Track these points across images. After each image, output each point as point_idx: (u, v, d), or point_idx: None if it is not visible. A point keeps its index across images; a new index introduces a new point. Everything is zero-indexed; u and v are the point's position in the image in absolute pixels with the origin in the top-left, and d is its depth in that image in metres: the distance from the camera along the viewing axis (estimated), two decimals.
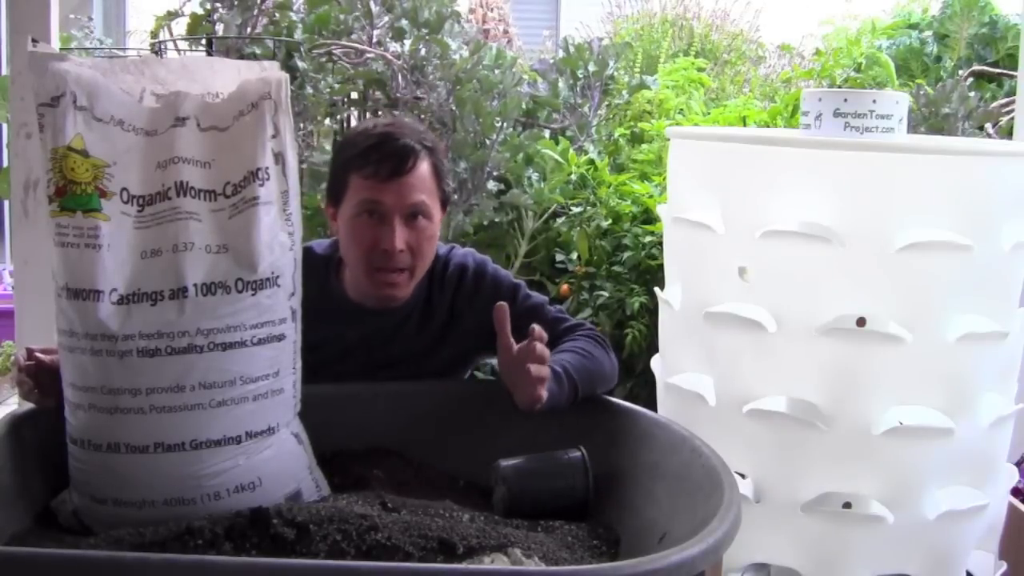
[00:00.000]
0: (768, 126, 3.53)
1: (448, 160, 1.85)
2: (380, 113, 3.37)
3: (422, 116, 3.28)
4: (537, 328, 1.61)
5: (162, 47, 3.40)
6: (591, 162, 3.48)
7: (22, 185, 2.64)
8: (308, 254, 1.80)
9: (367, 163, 1.71)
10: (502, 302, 1.65)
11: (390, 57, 3.38)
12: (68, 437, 1.40)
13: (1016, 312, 1.89)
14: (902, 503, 1.81)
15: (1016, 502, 2.23)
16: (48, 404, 1.50)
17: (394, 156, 1.71)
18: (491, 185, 3.33)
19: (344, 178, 1.75)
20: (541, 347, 1.59)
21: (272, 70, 1.46)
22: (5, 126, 3.68)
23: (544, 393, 1.60)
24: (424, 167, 1.73)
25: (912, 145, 1.98)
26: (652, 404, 2.11)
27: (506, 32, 6.25)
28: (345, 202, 1.75)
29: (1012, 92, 3.56)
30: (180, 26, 3.40)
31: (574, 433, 1.63)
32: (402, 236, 1.71)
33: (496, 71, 3.44)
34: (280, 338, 1.42)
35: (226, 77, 1.45)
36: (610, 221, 3.32)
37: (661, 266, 2.36)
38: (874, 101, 1.92)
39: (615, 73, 3.83)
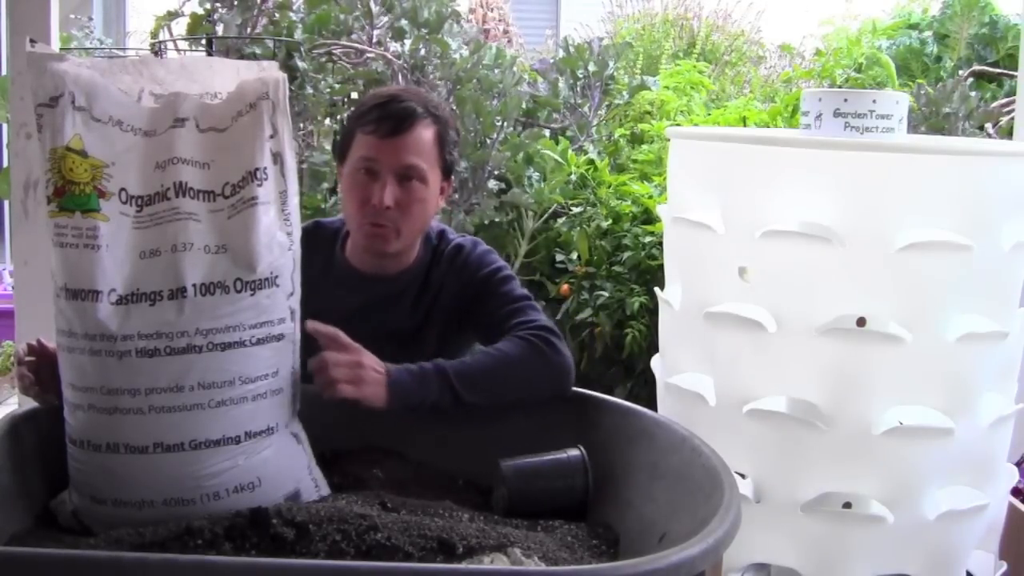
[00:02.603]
0: (768, 126, 3.53)
1: (457, 133, 1.87)
2: None
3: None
4: (324, 330, 1.55)
5: (162, 47, 3.40)
6: (591, 162, 3.48)
7: (22, 185, 2.64)
8: (318, 227, 1.89)
9: (369, 121, 1.75)
10: (312, 324, 1.57)
11: (390, 57, 3.38)
12: (67, 438, 1.40)
13: (1016, 312, 1.89)
14: (902, 503, 1.81)
15: (1016, 502, 2.22)
16: (48, 400, 1.50)
17: (394, 116, 1.74)
18: (492, 184, 3.33)
19: (350, 135, 1.80)
20: (316, 363, 1.54)
21: (270, 70, 1.45)
22: (5, 126, 3.69)
23: (355, 392, 1.54)
24: (425, 132, 1.76)
25: (912, 145, 1.98)
26: (652, 404, 2.11)
27: (506, 32, 6.26)
28: (348, 158, 1.79)
29: (1012, 92, 3.56)
30: (180, 26, 3.41)
31: (574, 433, 1.63)
32: (392, 194, 1.73)
33: (496, 70, 3.45)
34: (279, 338, 1.42)
35: (225, 77, 1.45)
36: (610, 221, 3.32)
37: (661, 266, 2.36)
38: (874, 101, 1.92)
39: (615, 73, 3.83)
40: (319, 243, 1.84)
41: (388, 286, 1.84)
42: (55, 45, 2.67)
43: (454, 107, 3.30)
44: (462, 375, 1.65)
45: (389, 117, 1.74)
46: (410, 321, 1.84)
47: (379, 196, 1.73)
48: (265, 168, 1.40)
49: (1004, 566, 2.06)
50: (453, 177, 1.88)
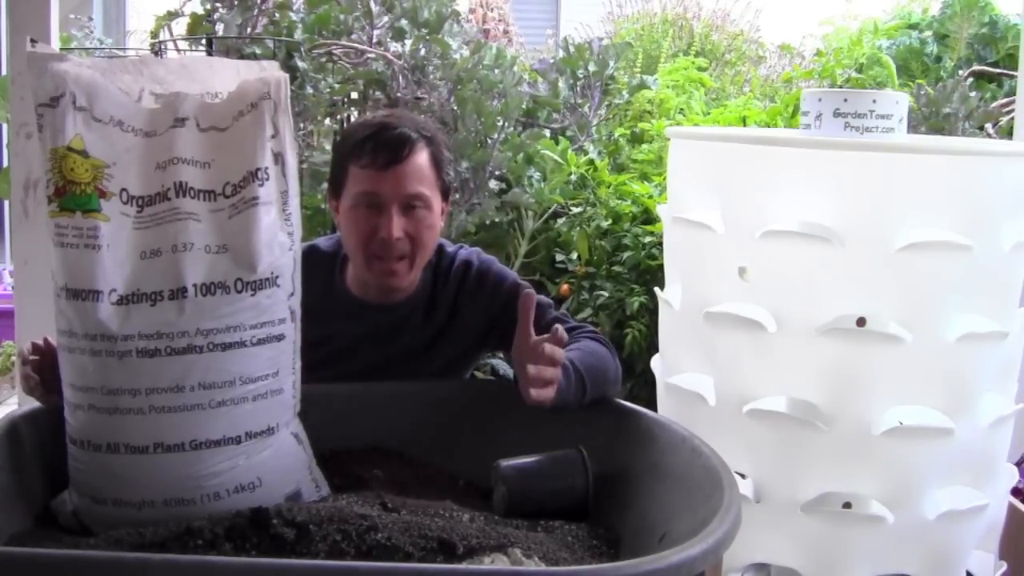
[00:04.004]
0: (768, 126, 3.53)
1: (449, 152, 1.84)
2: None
3: (423, 116, 3.28)
4: (560, 329, 1.58)
5: (162, 47, 3.40)
6: (591, 162, 3.48)
7: (22, 185, 2.64)
8: (313, 252, 1.82)
9: (364, 153, 1.71)
10: (530, 290, 1.63)
11: (390, 57, 3.38)
12: (68, 438, 1.40)
13: (1016, 312, 1.89)
14: (902, 503, 1.81)
15: (1016, 502, 2.23)
16: (52, 400, 1.50)
17: (390, 145, 1.70)
18: (492, 184, 3.33)
19: (343, 169, 1.76)
20: (551, 348, 1.56)
21: (272, 70, 1.45)
22: (5, 126, 3.69)
23: (545, 393, 1.57)
24: (421, 156, 1.73)
25: (912, 145, 1.98)
26: (652, 404, 2.11)
27: (506, 32, 6.25)
28: (344, 193, 1.75)
29: (1012, 92, 3.56)
30: (180, 26, 3.40)
31: (574, 433, 1.63)
32: (399, 225, 1.70)
33: (496, 71, 3.44)
34: (279, 338, 1.42)
35: (225, 77, 1.45)
36: (610, 221, 3.32)
37: (661, 266, 2.36)
38: (874, 101, 1.92)
39: (615, 73, 3.83)
40: (315, 269, 1.78)
41: (393, 314, 1.82)
42: (55, 45, 2.67)
43: (454, 107, 3.30)
44: (589, 373, 1.66)
45: (384, 147, 1.70)
46: (419, 340, 1.83)
47: (387, 229, 1.69)
48: (266, 168, 1.40)
49: (1004, 566, 2.06)
50: (450, 195, 1.85)
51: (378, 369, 1.81)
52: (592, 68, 3.73)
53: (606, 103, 3.83)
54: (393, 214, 1.70)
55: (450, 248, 1.88)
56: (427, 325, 1.83)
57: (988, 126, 3.48)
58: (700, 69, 4.24)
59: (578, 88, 3.76)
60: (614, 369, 1.75)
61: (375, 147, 1.71)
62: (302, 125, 3.25)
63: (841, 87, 3.92)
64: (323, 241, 1.89)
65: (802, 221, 1.77)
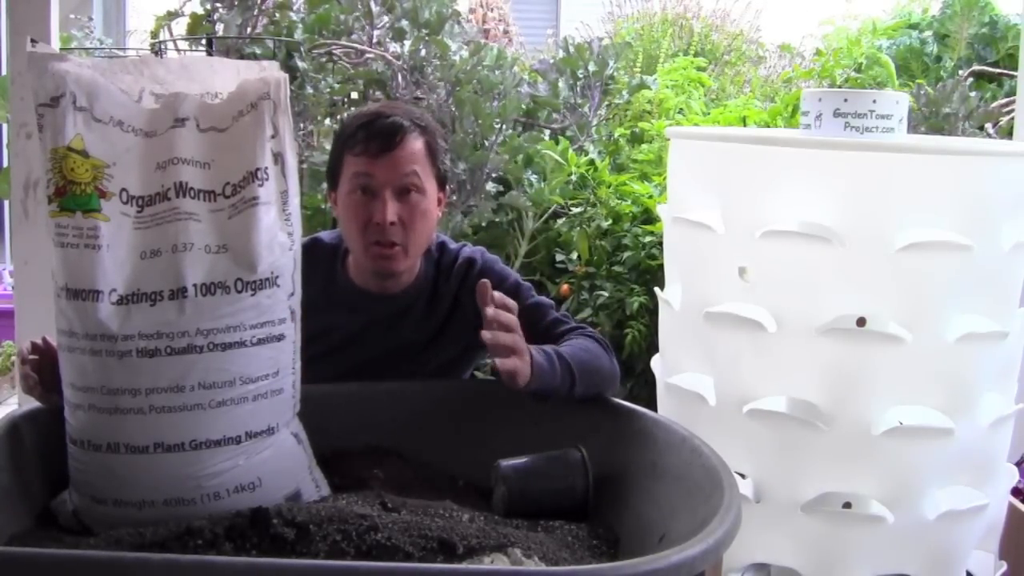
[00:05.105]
0: (768, 126, 3.53)
1: (444, 140, 1.83)
2: None
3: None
4: (498, 293, 1.55)
5: (162, 47, 3.40)
6: (591, 162, 3.48)
7: (22, 185, 2.64)
8: (316, 244, 1.85)
9: (357, 141, 1.74)
10: (484, 280, 1.59)
11: (390, 57, 3.38)
12: (68, 437, 1.40)
13: (1016, 312, 1.89)
14: (902, 503, 1.81)
15: (1016, 502, 2.23)
16: (52, 400, 1.50)
17: (383, 132, 1.73)
18: (490, 186, 3.33)
19: (340, 159, 1.78)
20: (495, 311, 1.52)
21: (271, 70, 1.46)
22: (5, 126, 3.69)
23: (510, 363, 1.53)
24: (415, 143, 1.74)
25: (912, 145, 1.98)
26: (652, 404, 2.11)
27: (506, 32, 6.25)
28: (341, 182, 1.77)
29: (1012, 92, 3.56)
30: (180, 26, 3.41)
31: (574, 433, 1.63)
32: (393, 209, 1.72)
33: (496, 71, 3.44)
34: (279, 338, 1.42)
35: (225, 77, 1.45)
36: (610, 221, 3.32)
37: (661, 266, 2.36)
38: (874, 101, 1.92)
39: (615, 73, 3.83)
40: (318, 261, 1.80)
41: (394, 304, 1.83)
42: (55, 45, 2.67)
43: (453, 108, 3.30)
44: (578, 365, 1.65)
45: (377, 134, 1.72)
46: (420, 335, 1.84)
47: (381, 214, 1.71)
48: (266, 168, 1.41)
49: (1004, 566, 2.06)
50: (448, 187, 1.87)
51: (379, 363, 1.81)
52: (592, 68, 3.73)
53: (606, 103, 3.83)
54: (387, 199, 1.72)
55: (453, 245, 1.90)
56: (428, 318, 1.84)
57: (988, 126, 3.48)
58: (699, 69, 4.24)
59: (578, 88, 3.76)
60: (609, 365, 1.74)
61: (368, 135, 1.73)
62: (302, 125, 3.25)
63: (841, 87, 3.92)
64: (326, 234, 1.91)
65: (802, 221, 1.77)
